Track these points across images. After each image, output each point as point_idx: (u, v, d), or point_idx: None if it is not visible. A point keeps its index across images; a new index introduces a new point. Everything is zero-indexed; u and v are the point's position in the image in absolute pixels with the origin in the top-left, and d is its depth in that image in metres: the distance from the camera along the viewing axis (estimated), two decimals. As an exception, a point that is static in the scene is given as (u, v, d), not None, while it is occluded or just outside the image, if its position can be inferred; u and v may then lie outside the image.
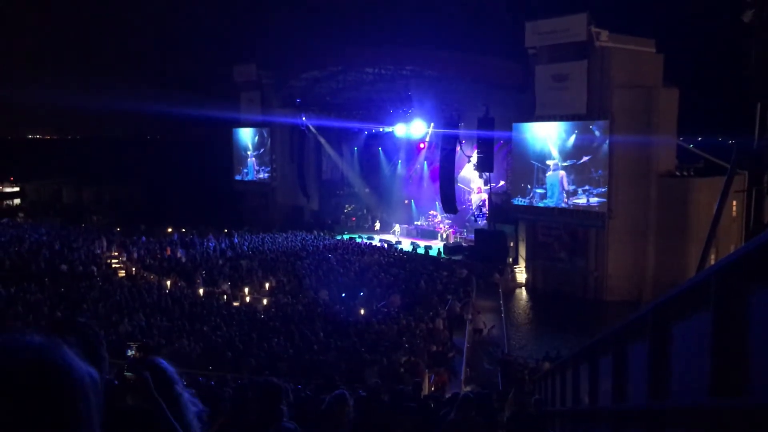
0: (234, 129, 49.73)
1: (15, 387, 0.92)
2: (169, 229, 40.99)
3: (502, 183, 35.92)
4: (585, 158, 29.31)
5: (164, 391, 2.28)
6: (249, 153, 48.56)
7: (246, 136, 48.78)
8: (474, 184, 38.56)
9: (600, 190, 29.00)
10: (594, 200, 29.32)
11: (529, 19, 31.07)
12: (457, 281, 26.29)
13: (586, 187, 29.40)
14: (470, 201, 39.12)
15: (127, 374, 2.23)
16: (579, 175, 29.62)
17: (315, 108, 44.11)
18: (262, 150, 47.48)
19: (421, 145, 42.07)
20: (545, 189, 30.85)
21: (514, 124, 32.21)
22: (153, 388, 2.20)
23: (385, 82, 41.72)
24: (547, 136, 30.63)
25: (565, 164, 30.00)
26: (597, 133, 28.93)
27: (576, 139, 29.56)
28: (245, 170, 49.16)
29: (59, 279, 23.90)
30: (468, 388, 14.84)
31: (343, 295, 22.59)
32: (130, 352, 2.28)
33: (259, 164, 47.86)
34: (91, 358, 1.98)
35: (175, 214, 46.76)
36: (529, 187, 31.55)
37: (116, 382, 2.20)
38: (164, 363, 2.44)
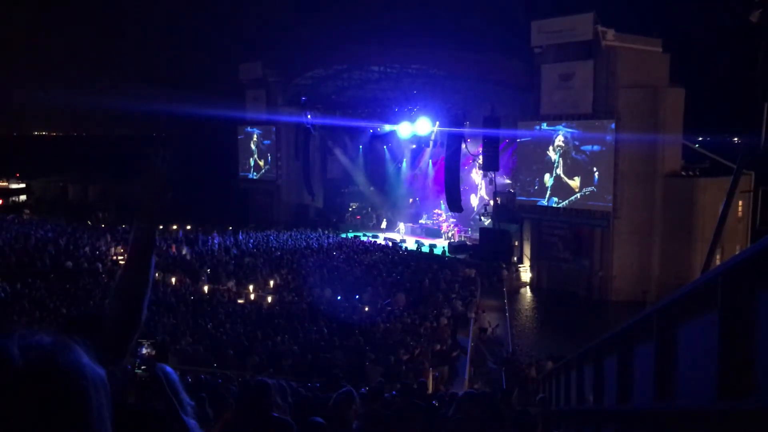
0: (239, 127, 49.79)
1: (24, 388, 0.91)
2: (174, 227, 41.03)
3: (507, 181, 35.90)
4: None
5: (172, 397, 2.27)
6: (254, 151, 48.62)
7: (251, 134, 48.84)
8: (481, 187, 38.53)
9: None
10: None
11: (535, 18, 31.00)
12: (461, 280, 26.26)
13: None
14: (473, 200, 39.10)
15: (138, 372, 2.20)
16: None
17: (320, 106, 44.08)
18: (267, 148, 47.53)
19: (420, 145, 41.98)
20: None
21: (519, 124, 32.15)
22: (168, 388, 2.19)
23: (390, 81, 41.71)
24: (552, 143, 30.53)
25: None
26: (608, 138, 28.64)
27: (583, 147, 29.45)
28: (250, 168, 49.21)
29: (64, 276, 23.98)
30: (475, 386, 14.84)
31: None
32: (144, 350, 2.24)
33: (264, 162, 47.90)
34: (103, 352, 1.98)
35: (180, 212, 46.78)
36: (534, 188, 31.54)
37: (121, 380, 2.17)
38: (170, 370, 2.43)
